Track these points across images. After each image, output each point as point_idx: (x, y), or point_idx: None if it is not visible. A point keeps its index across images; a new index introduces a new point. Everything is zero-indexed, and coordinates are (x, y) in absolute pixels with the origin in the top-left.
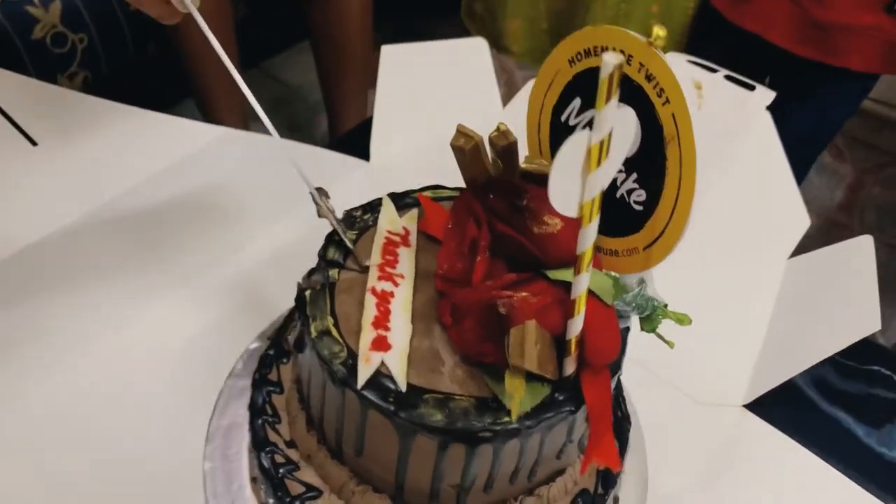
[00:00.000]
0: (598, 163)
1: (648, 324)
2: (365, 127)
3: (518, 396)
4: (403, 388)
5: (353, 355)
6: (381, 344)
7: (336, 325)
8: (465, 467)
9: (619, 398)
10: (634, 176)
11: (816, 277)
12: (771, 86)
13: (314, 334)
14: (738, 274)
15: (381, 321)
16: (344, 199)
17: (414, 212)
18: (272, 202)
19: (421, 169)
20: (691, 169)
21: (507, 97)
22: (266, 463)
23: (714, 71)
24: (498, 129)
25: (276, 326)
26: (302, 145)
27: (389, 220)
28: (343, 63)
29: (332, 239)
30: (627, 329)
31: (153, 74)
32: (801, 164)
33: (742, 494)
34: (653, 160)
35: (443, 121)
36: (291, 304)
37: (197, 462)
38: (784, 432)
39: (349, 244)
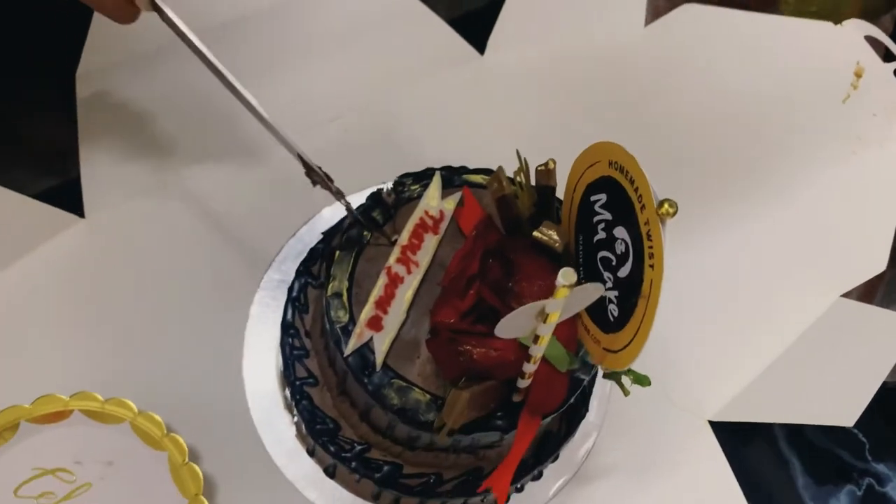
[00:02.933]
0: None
1: (611, 377)
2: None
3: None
4: (379, 366)
5: (352, 322)
6: (375, 324)
7: (349, 289)
8: (409, 434)
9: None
10: (616, 293)
11: (847, 335)
12: None
13: (329, 293)
14: (785, 290)
15: (384, 303)
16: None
17: (458, 195)
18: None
19: (531, 80)
20: (648, 327)
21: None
22: (286, 344)
23: (892, 59)
24: (547, 165)
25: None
26: (428, 11)
27: (431, 199)
28: None
29: (378, 199)
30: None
31: None
32: None
33: (658, 494)
34: (630, 294)
35: (575, 31)
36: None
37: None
38: (733, 454)
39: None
